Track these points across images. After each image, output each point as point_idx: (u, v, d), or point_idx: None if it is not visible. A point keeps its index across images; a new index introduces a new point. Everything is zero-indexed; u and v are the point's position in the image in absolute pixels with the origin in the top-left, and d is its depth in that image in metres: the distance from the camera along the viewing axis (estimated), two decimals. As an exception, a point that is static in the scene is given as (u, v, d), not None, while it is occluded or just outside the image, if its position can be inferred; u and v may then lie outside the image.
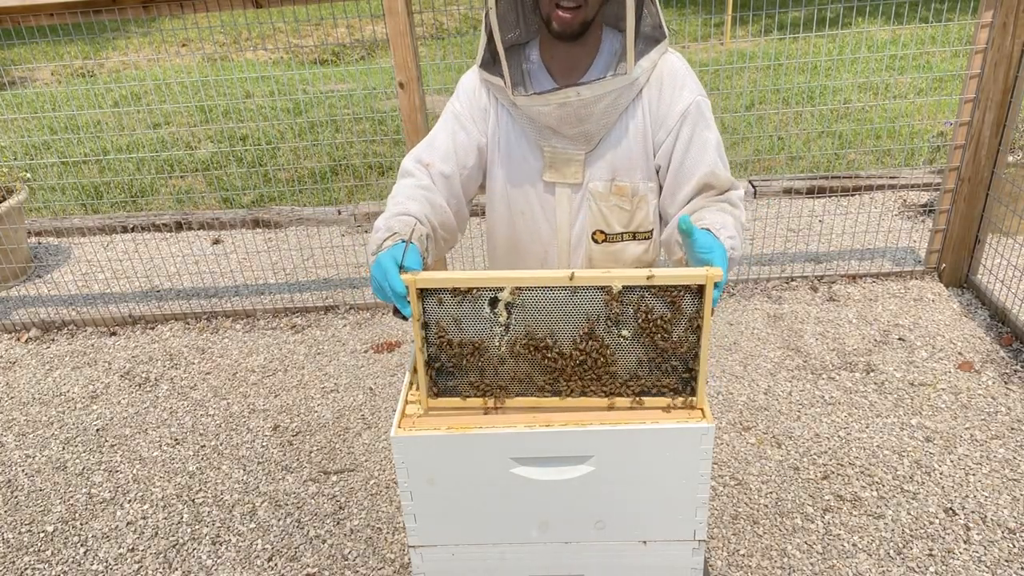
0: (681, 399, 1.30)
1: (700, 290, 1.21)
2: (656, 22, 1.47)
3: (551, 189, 1.57)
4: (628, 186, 1.54)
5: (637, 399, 1.31)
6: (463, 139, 1.58)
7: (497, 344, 1.28)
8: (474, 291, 1.24)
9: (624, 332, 1.25)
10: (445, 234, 1.56)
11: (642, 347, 1.27)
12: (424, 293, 1.25)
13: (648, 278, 1.20)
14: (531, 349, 1.28)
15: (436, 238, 1.51)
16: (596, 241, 1.60)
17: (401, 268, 1.26)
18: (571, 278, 1.22)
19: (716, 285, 1.22)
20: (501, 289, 1.24)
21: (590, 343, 1.26)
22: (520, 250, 1.67)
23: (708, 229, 1.34)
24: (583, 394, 1.30)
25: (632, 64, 1.41)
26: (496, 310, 1.25)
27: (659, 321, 1.24)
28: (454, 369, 1.32)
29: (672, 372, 1.29)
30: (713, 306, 1.23)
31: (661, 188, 1.58)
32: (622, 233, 1.59)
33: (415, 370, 1.36)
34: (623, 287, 1.21)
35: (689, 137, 1.48)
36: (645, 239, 1.61)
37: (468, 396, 1.33)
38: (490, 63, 1.51)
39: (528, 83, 1.53)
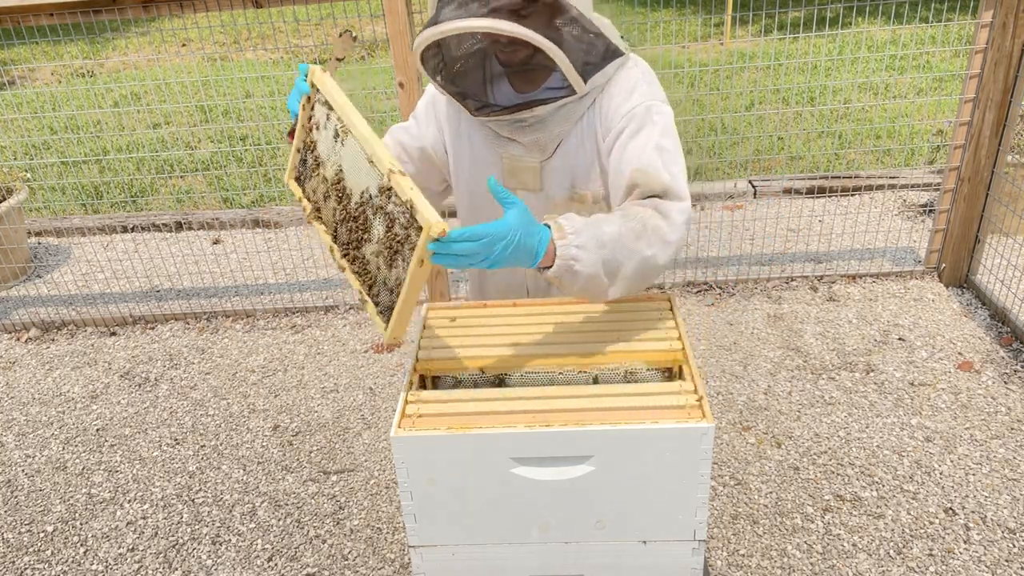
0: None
1: (420, 231, 1.17)
2: (604, 48, 1.39)
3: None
4: (589, 194, 1.52)
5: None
6: (414, 134, 1.67)
7: (328, 167, 1.38)
8: (333, 114, 1.36)
9: (378, 226, 1.27)
10: (426, 167, 1.67)
11: (379, 249, 1.28)
12: (316, 89, 1.39)
13: (389, 183, 1.22)
14: (337, 189, 1.36)
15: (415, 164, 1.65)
16: None
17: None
18: (390, 175, 1.24)
19: (443, 241, 1.12)
20: (341, 123, 1.33)
21: (360, 214, 1.31)
22: None
23: (551, 224, 1.27)
24: (351, 265, 1.36)
25: (582, 86, 1.37)
26: (336, 139, 1.36)
27: (391, 234, 1.24)
28: (306, 171, 1.46)
29: (384, 293, 1.29)
30: (444, 265, 1.17)
31: None
32: None
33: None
34: (388, 185, 1.23)
35: (629, 136, 1.42)
36: None
37: (310, 213, 1.45)
38: (449, 82, 1.48)
39: (491, 92, 1.52)
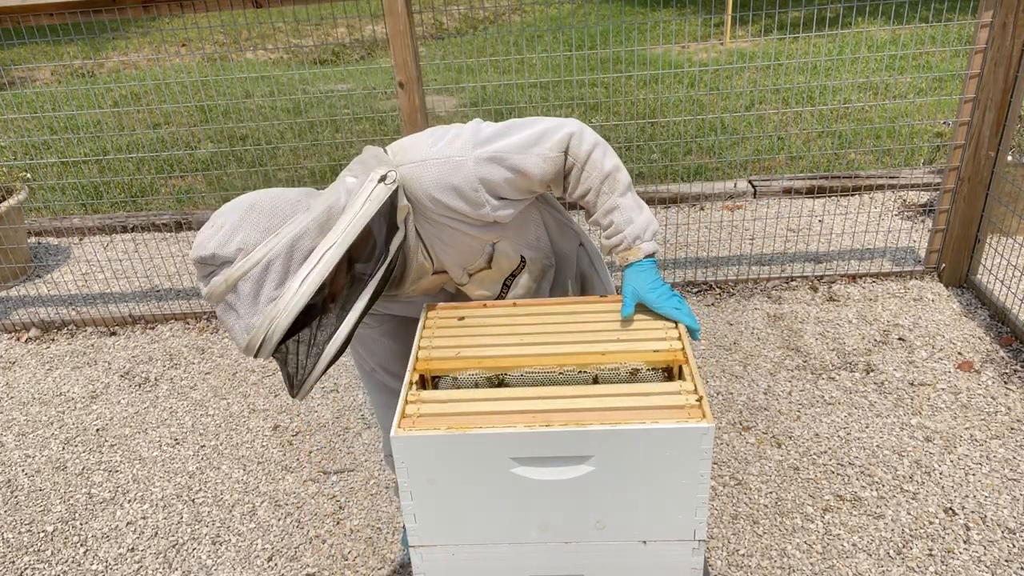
0: None
1: None
2: (386, 216, 1.37)
3: (442, 294, 1.69)
4: (480, 264, 1.58)
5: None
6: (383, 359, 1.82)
7: None
8: None
9: None
10: None
11: None
12: None
13: None
14: None
15: None
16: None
17: None
18: None
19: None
20: None
21: None
22: None
23: (628, 262, 1.51)
24: None
25: (400, 237, 1.41)
26: None
27: None
28: None
29: None
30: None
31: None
32: (502, 284, 1.65)
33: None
34: None
35: (508, 180, 1.45)
36: (521, 269, 1.64)
37: None
38: None
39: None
